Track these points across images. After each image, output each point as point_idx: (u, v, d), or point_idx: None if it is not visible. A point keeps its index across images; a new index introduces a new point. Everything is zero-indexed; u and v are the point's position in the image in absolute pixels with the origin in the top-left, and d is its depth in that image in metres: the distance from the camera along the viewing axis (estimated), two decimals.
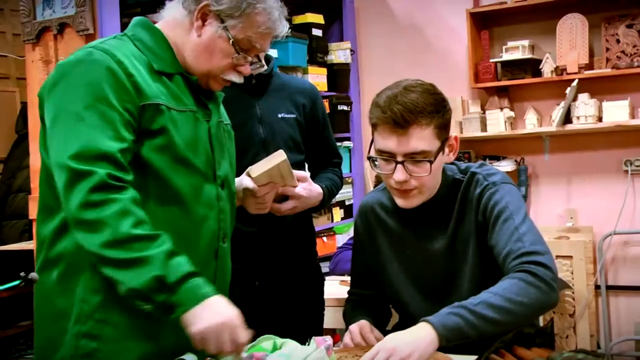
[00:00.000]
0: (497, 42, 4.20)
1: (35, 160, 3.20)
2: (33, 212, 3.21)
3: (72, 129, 1.54)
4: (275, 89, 2.33)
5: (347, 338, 1.89)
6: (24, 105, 4.46)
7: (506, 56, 4.01)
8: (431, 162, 1.78)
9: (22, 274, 1.50)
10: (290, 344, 1.71)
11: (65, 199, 1.53)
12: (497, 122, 4.05)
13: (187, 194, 1.68)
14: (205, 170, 1.74)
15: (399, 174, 1.79)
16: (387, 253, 1.99)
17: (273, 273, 2.29)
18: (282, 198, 2.10)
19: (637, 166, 3.94)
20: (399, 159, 1.79)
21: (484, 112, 4.13)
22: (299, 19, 4.05)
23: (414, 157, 1.78)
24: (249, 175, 1.97)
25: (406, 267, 1.96)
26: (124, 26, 3.05)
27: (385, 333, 1.88)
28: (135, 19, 1.79)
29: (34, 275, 1.49)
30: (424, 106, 1.76)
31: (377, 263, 2.01)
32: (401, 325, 2.03)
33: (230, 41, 1.71)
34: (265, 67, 1.90)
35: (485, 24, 4.20)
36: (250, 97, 2.28)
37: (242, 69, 1.78)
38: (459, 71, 4.26)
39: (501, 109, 4.09)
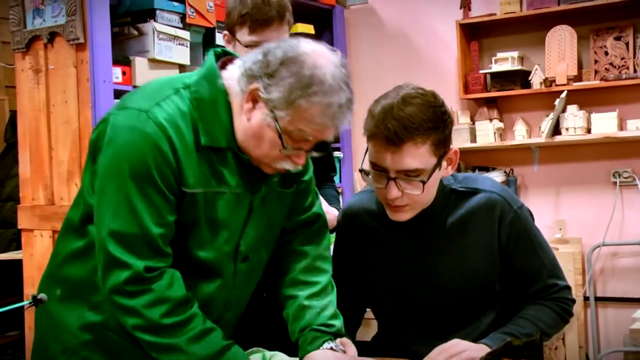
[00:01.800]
0: (487, 53, 4.21)
1: (24, 169, 3.19)
2: (22, 221, 3.20)
3: (118, 206, 1.51)
4: None
5: None
6: (13, 114, 4.44)
7: (495, 67, 4.03)
8: (424, 182, 1.71)
9: (32, 294, 1.49)
10: (280, 356, 1.71)
11: (102, 277, 1.54)
12: (487, 133, 4.06)
13: (200, 270, 1.64)
14: (227, 250, 1.65)
15: (392, 191, 1.72)
16: (373, 261, 1.93)
17: None
18: None
19: (626, 178, 3.96)
20: (392, 175, 1.72)
21: (473, 123, 4.15)
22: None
23: (407, 174, 1.71)
24: None
25: (395, 277, 1.92)
26: (114, 36, 3.06)
27: (361, 343, 1.89)
28: (208, 66, 1.60)
29: (43, 296, 1.50)
30: (420, 122, 1.67)
31: (361, 271, 1.96)
32: (383, 336, 2.03)
33: (278, 133, 1.52)
34: (325, 154, 1.75)
35: (475, 35, 4.22)
36: None
37: (297, 159, 1.59)
38: (448, 82, 4.26)
39: (490, 120, 4.11)
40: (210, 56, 1.63)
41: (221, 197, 1.59)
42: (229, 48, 2.26)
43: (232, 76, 1.59)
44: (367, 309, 2.08)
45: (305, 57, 1.51)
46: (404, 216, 1.80)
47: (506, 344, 1.67)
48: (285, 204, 1.76)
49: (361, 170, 1.80)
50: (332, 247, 2.20)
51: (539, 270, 1.89)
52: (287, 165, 1.59)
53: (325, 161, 2.42)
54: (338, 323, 1.76)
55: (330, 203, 2.26)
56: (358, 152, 4.00)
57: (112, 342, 1.62)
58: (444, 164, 1.79)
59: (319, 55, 1.53)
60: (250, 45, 2.19)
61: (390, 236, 1.90)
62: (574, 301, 1.93)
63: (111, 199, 1.52)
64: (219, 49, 1.67)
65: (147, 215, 1.50)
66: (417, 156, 1.69)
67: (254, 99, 1.54)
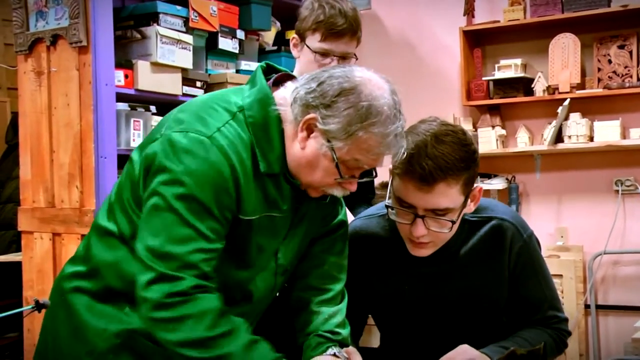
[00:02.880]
0: (490, 60, 4.21)
1: (25, 171, 3.19)
2: (22, 223, 3.19)
3: (170, 228, 1.49)
4: None
5: None
6: (15, 115, 4.44)
7: (498, 74, 4.02)
8: (453, 222, 1.69)
9: (35, 298, 1.48)
10: None
11: (143, 294, 1.50)
12: (489, 140, 4.05)
13: (240, 289, 1.64)
14: (265, 264, 1.66)
15: (418, 229, 1.70)
16: (380, 284, 1.91)
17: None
18: None
19: (628, 186, 3.95)
20: (420, 213, 1.68)
21: (476, 130, 4.14)
22: (291, 35, 4.05)
23: (436, 213, 1.68)
24: None
25: (401, 301, 1.90)
26: (117, 39, 3.06)
27: (367, 349, 1.88)
28: (260, 88, 1.59)
29: (46, 301, 1.49)
30: (454, 162, 1.64)
31: (366, 291, 1.94)
32: (386, 347, 2.02)
33: (335, 163, 1.53)
34: (375, 177, 1.77)
35: (478, 42, 4.21)
36: None
37: (348, 186, 1.60)
38: (451, 89, 4.26)
39: (493, 127, 4.10)
40: (259, 75, 1.62)
41: (270, 219, 1.60)
42: (295, 51, 2.38)
43: (284, 100, 1.59)
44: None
45: (362, 87, 1.52)
46: (426, 252, 1.78)
47: (510, 352, 1.66)
48: (320, 214, 1.77)
49: (387, 206, 1.76)
50: None
51: (540, 301, 1.90)
52: (337, 192, 1.61)
53: (364, 183, 2.44)
54: (344, 332, 1.75)
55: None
56: None
57: (141, 345, 1.59)
58: (468, 201, 1.76)
59: (374, 85, 1.54)
60: (318, 52, 2.30)
61: (400, 264, 1.87)
62: (570, 333, 1.95)
63: (165, 219, 1.49)
64: (263, 64, 1.66)
65: (198, 242, 1.49)
66: (448, 195, 1.67)
67: (309, 128, 1.54)
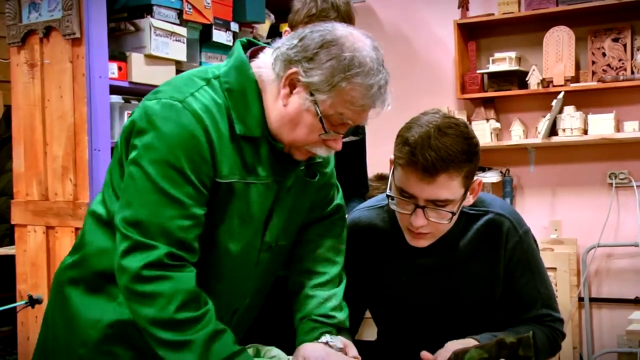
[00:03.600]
0: (484, 53, 4.21)
1: (18, 164, 3.17)
2: (15, 216, 3.18)
3: (144, 195, 1.49)
4: None
5: None
6: (8, 108, 4.40)
7: (493, 67, 4.03)
8: (453, 213, 1.72)
9: (29, 294, 1.48)
10: (274, 351, 1.70)
11: (120, 264, 1.50)
12: (483, 133, 4.06)
13: (227, 261, 1.63)
14: (252, 239, 1.65)
15: (418, 219, 1.71)
16: (377, 276, 1.92)
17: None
18: None
19: (622, 179, 3.96)
20: (421, 203, 1.70)
21: (470, 123, 4.13)
22: (285, 28, 4.04)
23: (436, 204, 1.70)
24: None
25: (399, 293, 1.90)
26: (110, 31, 3.04)
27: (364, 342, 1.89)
28: (237, 56, 1.60)
29: (39, 296, 1.49)
30: (456, 155, 1.65)
31: (366, 283, 1.94)
32: (383, 340, 2.02)
33: (319, 117, 1.53)
34: (358, 138, 1.78)
35: (473, 35, 4.21)
36: None
37: (332, 144, 1.59)
38: (445, 82, 4.26)
39: (487, 120, 4.10)
40: (237, 46, 1.63)
41: (252, 187, 1.59)
42: None
43: (264, 64, 1.59)
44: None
45: (344, 40, 1.52)
46: (424, 243, 1.79)
47: (498, 340, 1.66)
48: (309, 194, 1.75)
49: (388, 196, 1.77)
50: None
51: (535, 298, 1.89)
52: (321, 151, 1.60)
53: (358, 177, 2.45)
54: (341, 315, 1.74)
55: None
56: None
57: (138, 338, 1.59)
58: (467, 193, 1.78)
59: (355, 39, 1.54)
60: None
61: (399, 255, 1.89)
62: (564, 335, 1.94)
63: (140, 187, 1.49)
64: (244, 39, 1.66)
65: (175, 208, 1.48)
66: (449, 187, 1.68)
67: (291, 83, 1.54)
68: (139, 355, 1.62)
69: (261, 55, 1.62)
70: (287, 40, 1.57)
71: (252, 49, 1.64)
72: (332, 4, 2.27)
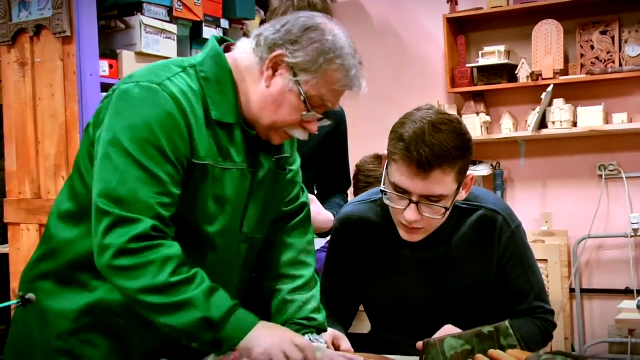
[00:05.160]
0: (474, 47, 4.23)
1: (10, 163, 3.17)
2: (8, 215, 3.18)
3: (124, 172, 1.50)
4: None
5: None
6: None
7: (482, 61, 4.05)
8: (447, 209, 1.74)
9: (21, 293, 1.49)
10: None
11: (102, 242, 1.49)
12: (473, 126, 4.08)
13: (207, 244, 1.65)
14: (232, 229, 1.68)
15: (411, 214, 1.73)
16: (370, 270, 1.93)
17: None
18: None
19: (611, 171, 3.99)
20: (415, 199, 1.71)
21: (461, 117, 4.15)
22: None
23: (430, 200, 1.72)
24: None
25: (392, 288, 1.92)
26: (101, 29, 3.04)
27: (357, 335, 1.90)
28: (212, 47, 1.66)
29: (31, 296, 1.49)
30: (450, 150, 1.67)
31: (357, 276, 1.96)
32: (376, 334, 2.03)
33: (302, 97, 1.59)
34: (330, 122, 1.76)
35: (462, 29, 4.23)
36: None
37: (310, 126, 1.65)
38: (435, 76, 4.28)
39: (477, 113, 4.13)
40: (212, 40, 1.69)
41: (227, 173, 1.62)
42: None
43: (242, 51, 1.65)
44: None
45: (324, 26, 1.62)
46: (417, 238, 1.81)
47: (475, 332, 1.65)
48: (280, 188, 1.79)
49: (382, 191, 1.79)
50: (317, 247, 2.20)
51: (527, 292, 1.91)
52: (299, 133, 1.65)
53: (341, 172, 2.44)
54: (320, 317, 1.76)
55: (331, 209, 2.28)
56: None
57: (116, 324, 1.60)
58: (460, 189, 1.79)
59: (333, 26, 1.64)
60: None
61: (392, 249, 1.90)
62: (555, 325, 1.96)
63: (120, 164, 1.50)
64: (218, 36, 1.72)
65: (153, 185, 1.50)
66: (442, 183, 1.70)
67: (275, 66, 1.60)
68: (118, 343, 1.63)
69: (238, 44, 1.69)
70: (270, 26, 1.64)
71: (225, 44, 1.70)
72: (309, 3, 2.25)
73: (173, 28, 3.24)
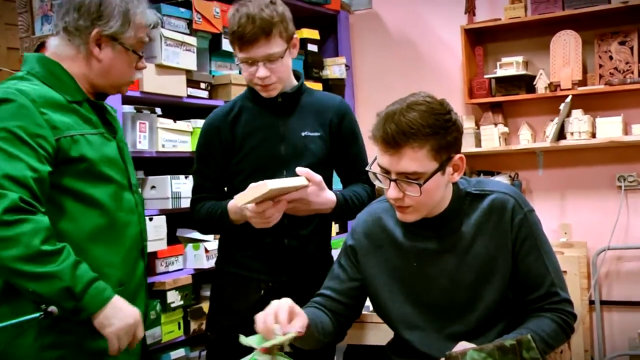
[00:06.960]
0: (491, 58, 4.23)
1: None
2: None
3: None
4: (304, 106, 2.32)
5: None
6: None
7: (500, 72, 4.04)
8: (420, 185, 1.76)
9: (43, 306, 1.60)
10: None
11: None
12: (491, 137, 4.07)
13: (109, 205, 1.94)
14: (122, 181, 2.00)
15: (392, 191, 1.80)
16: (385, 264, 1.94)
17: (296, 271, 2.32)
18: None
19: (631, 182, 3.97)
20: (393, 176, 1.79)
21: (478, 128, 4.16)
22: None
23: (407, 177, 1.78)
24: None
25: (408, 281, 1.92)
26: None
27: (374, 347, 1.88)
28: (33, 55, 1.98)
29: (53, 308, 1.60)
30: (419, 128, 1.73)
31: (372, 274, 1.96)
32: (397, 344, 2.02)
33: (130, 51, 1.98)
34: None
35: (480, 40, 4.23)
36: (273, 116, 2.28)
37: (141, 64, 2.05)
38: (453, 87, 4.28)
39: (495, 124, 4.12)
40: (29, 54, 2.01)
41: (95, 137, 1.93)
42: (237, 62, 2.28)
43: (59, 44, 1.97)
44: (361, 312, 2.08)
45: None
46: (409, 217, 1.86)
47: (497, 345, 1.65)
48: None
49: (369, 171, 1.87)
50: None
51: (542, 277, 1.88)
52: (138, 75, 2.12)
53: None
54: None
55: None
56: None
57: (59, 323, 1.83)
58: (449, 169, 1.83)
59: None
60: (244, 62, 2.21)
61: (405, 240, 1.92)
62: (575, 316, 1.92)
63: None
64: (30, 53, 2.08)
65: (17, 162, 1.75)
66: (415, 159, 1.75)
67: (98, 42, 1.95)
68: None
69: (47, 45, 1.99)
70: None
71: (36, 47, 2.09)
72: (248, 16, 2.15)
73: (193, 40, 3.27)
